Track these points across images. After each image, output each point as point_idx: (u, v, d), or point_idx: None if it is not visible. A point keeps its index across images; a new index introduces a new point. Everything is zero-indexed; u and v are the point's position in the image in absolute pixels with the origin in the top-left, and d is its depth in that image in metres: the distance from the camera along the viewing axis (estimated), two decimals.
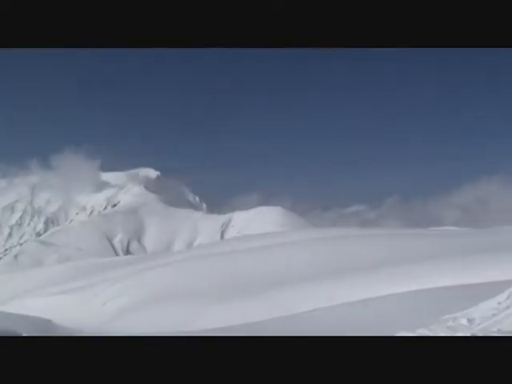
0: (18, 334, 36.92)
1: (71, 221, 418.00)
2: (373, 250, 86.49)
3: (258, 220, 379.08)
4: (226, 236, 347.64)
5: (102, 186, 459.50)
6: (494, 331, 29.06)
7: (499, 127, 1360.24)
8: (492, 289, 42.97)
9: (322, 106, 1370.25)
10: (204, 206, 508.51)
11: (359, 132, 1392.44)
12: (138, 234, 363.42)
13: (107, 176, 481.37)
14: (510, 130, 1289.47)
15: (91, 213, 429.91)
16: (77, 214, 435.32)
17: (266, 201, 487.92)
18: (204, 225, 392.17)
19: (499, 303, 37.63)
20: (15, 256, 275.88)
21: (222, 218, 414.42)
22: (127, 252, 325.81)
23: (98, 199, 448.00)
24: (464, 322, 33.57)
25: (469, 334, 25.84)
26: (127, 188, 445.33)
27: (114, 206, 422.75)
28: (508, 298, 38.59)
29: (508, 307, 36.32)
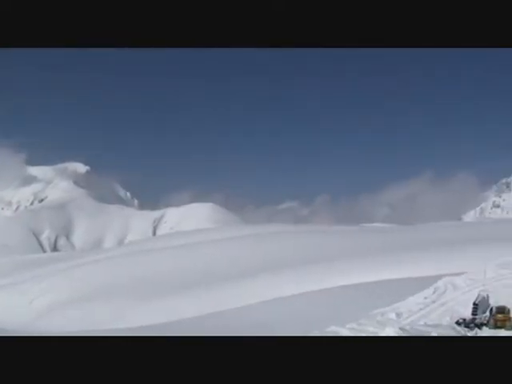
0: None
1: None
2: (306, 246, 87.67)
3: (191, 216, 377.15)
4: (159, 232, 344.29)
5: (29, 180, 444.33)
6: (420, 325, 29.98)
7: (426, 129, 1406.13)
8: (419, 284, 44.38)
9: (253, 104, 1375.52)
10: (136, 201, 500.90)
11: (289, 130, 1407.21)
12: (66, 231, 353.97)
13: (34, 170, 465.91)
14: (436, 131, 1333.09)
15: (17, 208, 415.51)
16: (2, 209, 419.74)
17: (198, 197, 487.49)
18: (135, 221, 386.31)
19: (426, 298, 38.91)
20: None
21: (154, 214, 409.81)
22: (55, 249, 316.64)
23: (24, 194, 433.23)
24: (392, 316, 34.50)
25: (397, 328, 26.53)
26: (55, 183, 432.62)
27: (42, 201, 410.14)
28: (434, 292, 39.95)
29: (434, 301, 37.60)
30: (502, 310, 32.92)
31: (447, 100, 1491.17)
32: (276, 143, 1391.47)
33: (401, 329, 26.69)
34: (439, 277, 48.26)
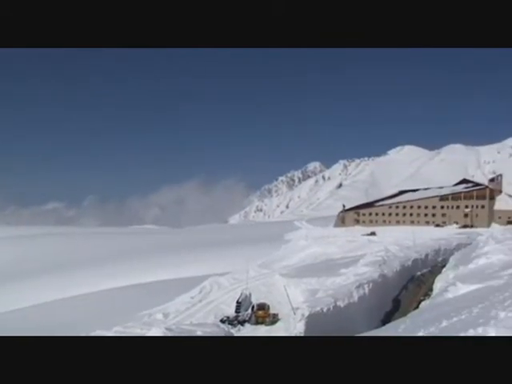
0: None
1: None
2: (72, 248, 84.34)
3: None
4: None
5: None
6: (186, 324, 30.56)
7: (197, 134, 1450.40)
8: (187, 284, 45.38)
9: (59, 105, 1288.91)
10: None
11: (54, 131, 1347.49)
12: None
13: None
14: (206, 137, 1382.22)
15: None
16: None
17: None
18: None
19: (192, 297, 40.01)
20: None
21: None
22: None
23: None
24: (160, 316, 34.81)
25: (163, 328, 26.66)
26: None
27: None
28: (200, 292, 41.25)
29: (200, 301, 38.82)
30: (262, 306, 35.24)
31: (218, 106, 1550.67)
32: (43, 142, 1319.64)
33: (167, 329, 26.93)
34: (206, 277, 50.14)
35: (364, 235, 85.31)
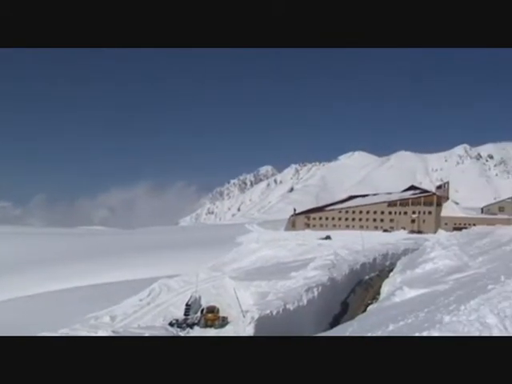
0: None
1: None
2: (18, 249, 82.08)
3: None
4: None
5: None
6: (134, 327, 30.12)
7: (141, 138, 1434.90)
8: (136, 286, 44.71)
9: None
10: None
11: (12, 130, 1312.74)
12: None
13: None
14: (155, 141, 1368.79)
15: None
16: None
17: None
18: None
19: (141, 300, 39.45)
20: None
21: None
22: None
23: None
24: (107, 319, 34.19)
25: (110, 332, 26.21)
26: None
27: None
28: (149, 294, 40.71)
29: (149, 303, 38.30)
30: (211, 309, 35.08)
31: (170, 108, 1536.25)
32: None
33: (114, 332, 26.50)
34: (155, 279, 49.63)
35: (319, 239, 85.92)
